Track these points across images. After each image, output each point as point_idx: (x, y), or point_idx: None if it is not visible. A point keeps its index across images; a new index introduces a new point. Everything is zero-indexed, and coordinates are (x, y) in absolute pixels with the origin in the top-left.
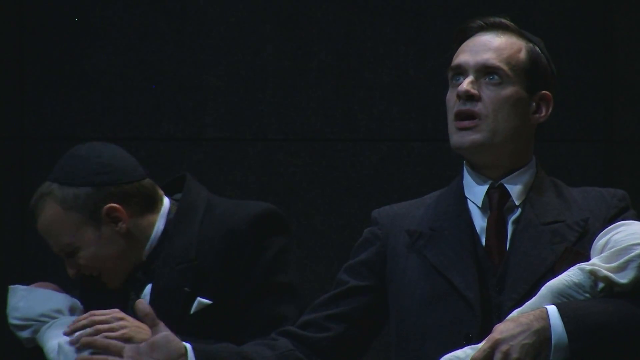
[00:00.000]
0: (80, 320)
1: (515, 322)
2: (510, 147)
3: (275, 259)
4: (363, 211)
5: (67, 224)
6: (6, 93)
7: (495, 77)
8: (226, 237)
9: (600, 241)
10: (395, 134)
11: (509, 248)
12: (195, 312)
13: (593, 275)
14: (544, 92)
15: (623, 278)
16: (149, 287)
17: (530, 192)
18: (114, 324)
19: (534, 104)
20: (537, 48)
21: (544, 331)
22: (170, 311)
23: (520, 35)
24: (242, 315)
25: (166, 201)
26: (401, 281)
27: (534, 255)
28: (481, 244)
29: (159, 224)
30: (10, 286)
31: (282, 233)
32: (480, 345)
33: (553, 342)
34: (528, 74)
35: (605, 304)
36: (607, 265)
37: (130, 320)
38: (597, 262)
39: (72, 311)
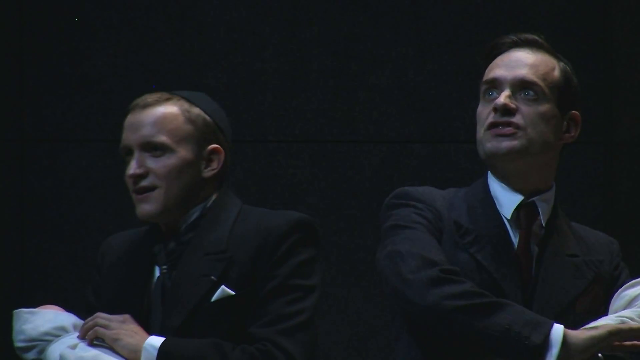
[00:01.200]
0: (88, 321)
1: None
2: (542, 159)
3: (303, 265)
4: (363, 213)
5: (179, 129)
6: (6, 95)
7: (531, 92)
8: (264, 233)
9: (627, 292)
10: (395, 136)
11: (535, 272)
12: (215, 301)
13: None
14: (574, 112)
15: None
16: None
17: (552, 217)
18: (112, 324)
19: (565, 123)
20: (568, 67)
21: None
22: (190, 297)
23: (552, 53)
24: (256, 309)
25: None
26: None
27: (560, 286)
28: (516, 259)
29: (207, 202)
30: (15, 311)
31: (315, 245)
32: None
33: None
34: (561, 92)
35: None
36: None
37: (130, 325)
38: (634, 317)
39: (76, 328)
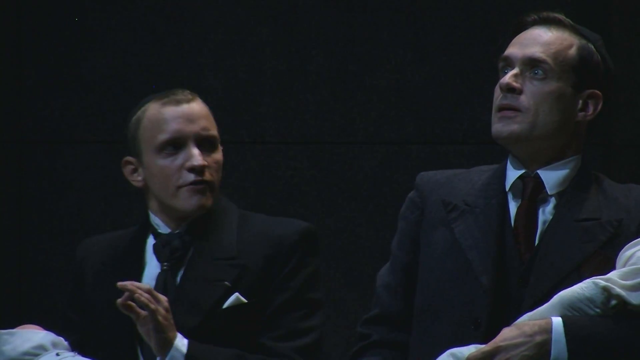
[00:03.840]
0: (141, 286)
1: (520, 331)
2: (550, 142)
3: (312, 276)
4: (361, 214)
5: (215, 128)
6: (4, 96)
7: (540, 71)
8: (273, 242)
9: (626, 253)
10: (393, 137)
11: (538, 242)
12: (227, 307)
13: (606, 291)
14: (592, 90)
15: (636, 299)
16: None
17: (569, 187)
18: (158, 308)
19: (580, 101)
20: (590, 46)
21: (545, 345)
22: (205, 300)
23: (574, 31)
24: (269, 320)
25: None
26: (427, 254)
27: (562, 252)
28: (511, 230)
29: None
30: None
31: (318, 254)
32: (484, 346)
33: (552, 357)
34: (576, 70)
35: (613, 326)
36: (623, 282)
37: (169, 316)
38: (613, 277)
39: (55, 346)
